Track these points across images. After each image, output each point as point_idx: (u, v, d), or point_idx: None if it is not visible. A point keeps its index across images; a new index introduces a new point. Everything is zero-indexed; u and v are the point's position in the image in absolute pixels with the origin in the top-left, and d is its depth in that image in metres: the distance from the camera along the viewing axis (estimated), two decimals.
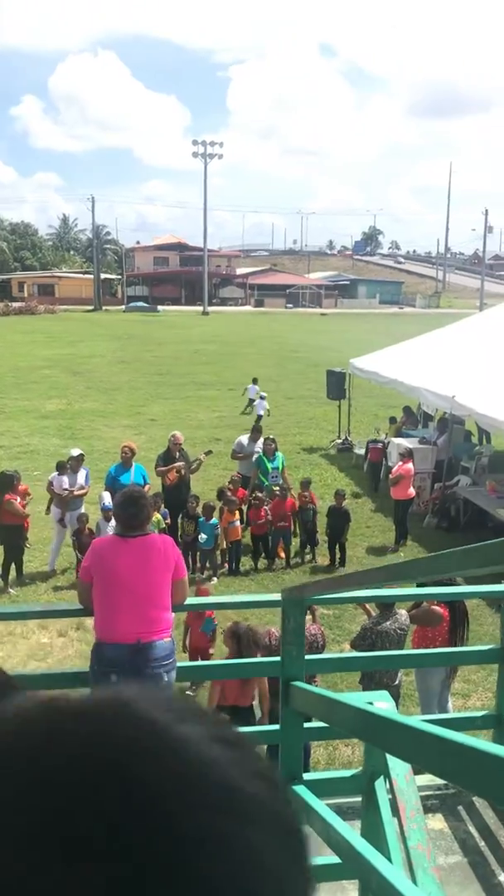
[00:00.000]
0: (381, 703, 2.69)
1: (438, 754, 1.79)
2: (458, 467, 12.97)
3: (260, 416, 20.16)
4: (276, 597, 3.08)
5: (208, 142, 69.38)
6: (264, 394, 20.54)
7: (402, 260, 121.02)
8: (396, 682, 6.11)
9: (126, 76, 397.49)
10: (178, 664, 3.60)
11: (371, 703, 2.66)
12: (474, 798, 3.69)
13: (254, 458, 11.47)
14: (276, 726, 3.00)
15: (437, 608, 6.22)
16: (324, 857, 2.92)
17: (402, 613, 6.19)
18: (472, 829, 3.47)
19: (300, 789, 2.77)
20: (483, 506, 11.36)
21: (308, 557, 10.82)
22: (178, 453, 10.62)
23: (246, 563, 10.56)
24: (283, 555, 10.68)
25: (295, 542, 10.94)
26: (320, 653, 5.67)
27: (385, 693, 2.77)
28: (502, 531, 10.93)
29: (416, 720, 2.06)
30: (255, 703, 5.69)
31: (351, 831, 2.47)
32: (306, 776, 2.92)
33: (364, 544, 11.44)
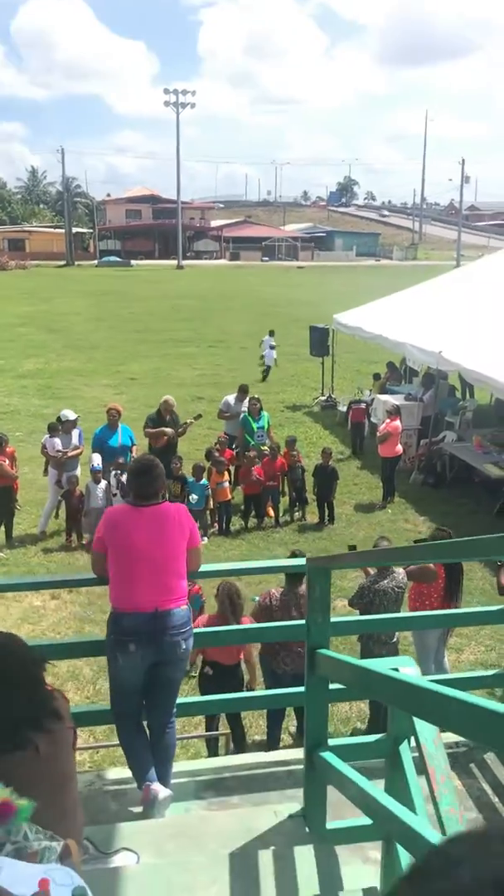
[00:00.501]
0: (406, 669, 2.71)
1: (468, 719, 1.83)
2: (444, 423, 13.02)
3: (268, 368, 20.23)
4: (301, 562, 3.08)
5: (180, 90, 67.54)
6: (273, 343, 20.46)
7: (388, 213, 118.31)
8: (394, 639, 6.20)
9: (92, 20, 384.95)
10: (196, 630, 3.60)
11: (397, 670, 2.67)
12: (486, 756, 3.76)
13: (240, 418, 11.40)
14: (300, 688, 3.02)
15: (432, 565, 6.28)
16: (348, 819, 2.97)
17: (400, 572, 6.24)
18: (486, 786, 3.55)
19: (326, 754, 2.79)
20: (470, 461, 11.43)
21: (297, 515, 10.85)
22: (168, 416, 10.52)
23: (235, 522, 10.57)
24: (272, 514, 10.70)
25: (284, 501, 10.96)
26: None
27: (409, 658, 2.79)
28: (489, 486, 11.05)
29: (443, 686, 2.07)
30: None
31: (382, 792, 2.50)
32: (331, 741, 2.94)
33: (352, 502, 11.50)
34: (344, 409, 15.30)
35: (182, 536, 3.50)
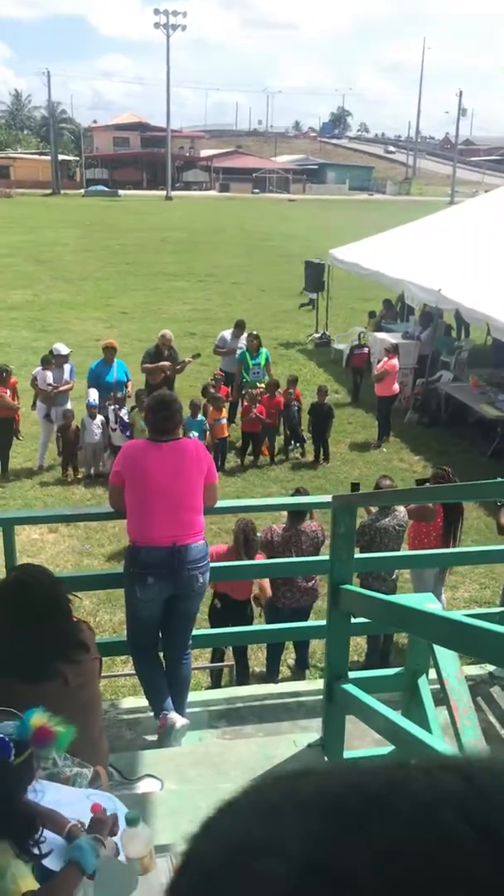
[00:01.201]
0: (430, 606, 2.74)
1: (490, 645, 1.87)
2: (440, 362, 12.96)
3: (311, 301, 19.69)
4: (327, 499, 3.08)
5: (171, 11, 64.77)
6: None
7: (394, 149, 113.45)
8: (394, 575, 6.28)
9: None
10: (213, 565, 3.61)
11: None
12: (491, 689, 3.85)
13: (237, 355, 11.25)
14: (321, 622, 3.05)
15: (431, 504, 6.32)
16: (364, 749, 3.04)
17: (401, 510, 6.27)
18: (493, 719, 3.64)
19: (348, 686, 2.84)
20: (467, 401, 11.41)
21: (297, 453, 10.83)
22: (167, 351, 10.38)
23: (230, 460, 10.56)
24: (266, 452, 10.69)
25: (279, 440, 10.94)
26: (321, 547, 5.78)
27: (431, 595, 2.82)
28: (483, 426, 11.09)
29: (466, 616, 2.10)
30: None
31: (409, 722, 2.55)
32: (351, 674, 2.99)
33: (346, 440, 11.50)
34: (339, 347, 15.18)
35: (200, 472, 3.48)
